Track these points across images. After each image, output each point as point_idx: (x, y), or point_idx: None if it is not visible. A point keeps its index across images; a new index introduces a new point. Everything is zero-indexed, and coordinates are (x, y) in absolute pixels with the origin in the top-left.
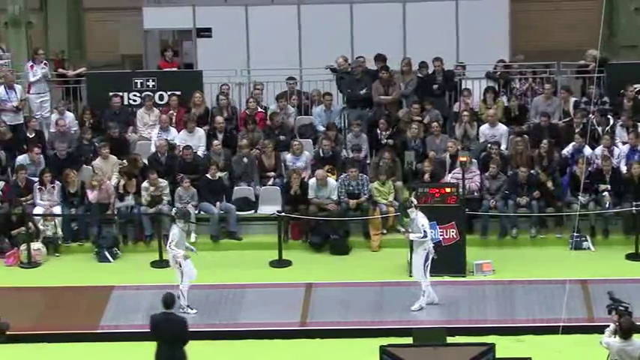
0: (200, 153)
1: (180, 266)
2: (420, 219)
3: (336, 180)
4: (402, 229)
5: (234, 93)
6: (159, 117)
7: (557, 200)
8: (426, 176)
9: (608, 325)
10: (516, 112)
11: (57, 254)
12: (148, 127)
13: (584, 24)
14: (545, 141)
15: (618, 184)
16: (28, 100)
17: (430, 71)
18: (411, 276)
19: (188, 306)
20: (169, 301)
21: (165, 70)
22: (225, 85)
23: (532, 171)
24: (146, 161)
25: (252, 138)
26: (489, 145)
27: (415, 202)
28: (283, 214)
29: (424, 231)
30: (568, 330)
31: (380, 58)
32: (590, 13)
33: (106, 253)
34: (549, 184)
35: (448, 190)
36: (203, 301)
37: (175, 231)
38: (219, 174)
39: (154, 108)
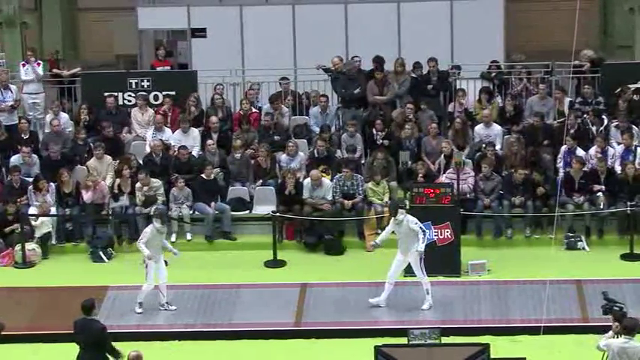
0: (195, 153)
1: (146, 266)
2: (412, 217)
3: (331, 180)
4: (375, 244)
5: (229, 93)
6: (153, 117)
7: (550, 200)
8: (420, 177)
9: (604, 326)
10: (512, 112)
11: (42, 257)
12: (142, 127)
13: (583, 24)
14: (531, 147)
15: (613, 185)
16: (22, 100)
17: (425, 71)
18: (405, 276)
19: (140, 303)
20: (88, 306)
21: (159, 70)
22: (220, 85)
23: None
24: (141, 161)
25: (246, 138)
26: (484, 145)
27: (407, 205)
28: (278, 214)
29: (420, 228)
30: (566, 330)
31: (377, 60)
32: (588, 13)
33: (101, 253)
34: (540, 189)
35: (442, 190)
36: (198, 301)
37: (149, 230)
38: (215, 170)
39: (148, 108)
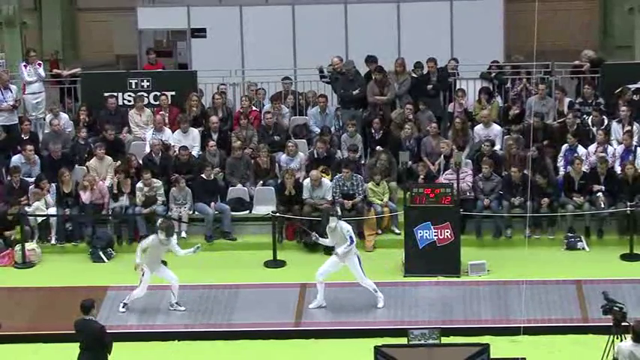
0: (194, 153)
1: (143, 274)
2: (344, 225)
3: (331, 180)
4: (315, 238)
5: (229, 93)
6: (152, 118)
7: (551, 200)
8: (420, 178)
9: (604, 326)
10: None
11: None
12: (140, 128)
13: (583, 25)
14: (533, 147)
15: (613, 185)
16: (23, 100)
17: (425, 71)
18: (405, 276)
19: (125, 304)
20: (87, 306)
21: (160, 70)
22: (223, 85)
23: (525, 171)
24: (140, 161)
25: (244, 135)
26: (484, 145)
27: (339, 212)
28: (278, 214)
29: (350, 237)
30: (564, 330)
31: (371, 60)
32: (588, 13)
33: (101, 254)
34: (544, 199)
35: (442, 190)
36: (197, 301)
37: (151, 239)
38: (215, 170)
39: (145, 108)
